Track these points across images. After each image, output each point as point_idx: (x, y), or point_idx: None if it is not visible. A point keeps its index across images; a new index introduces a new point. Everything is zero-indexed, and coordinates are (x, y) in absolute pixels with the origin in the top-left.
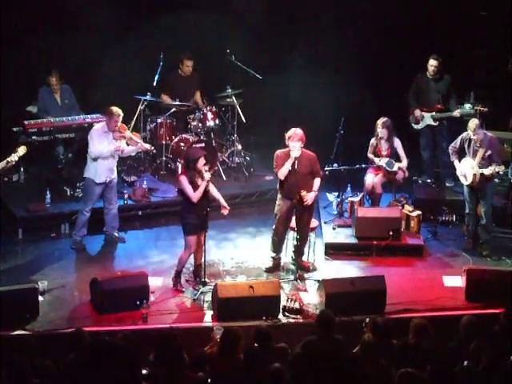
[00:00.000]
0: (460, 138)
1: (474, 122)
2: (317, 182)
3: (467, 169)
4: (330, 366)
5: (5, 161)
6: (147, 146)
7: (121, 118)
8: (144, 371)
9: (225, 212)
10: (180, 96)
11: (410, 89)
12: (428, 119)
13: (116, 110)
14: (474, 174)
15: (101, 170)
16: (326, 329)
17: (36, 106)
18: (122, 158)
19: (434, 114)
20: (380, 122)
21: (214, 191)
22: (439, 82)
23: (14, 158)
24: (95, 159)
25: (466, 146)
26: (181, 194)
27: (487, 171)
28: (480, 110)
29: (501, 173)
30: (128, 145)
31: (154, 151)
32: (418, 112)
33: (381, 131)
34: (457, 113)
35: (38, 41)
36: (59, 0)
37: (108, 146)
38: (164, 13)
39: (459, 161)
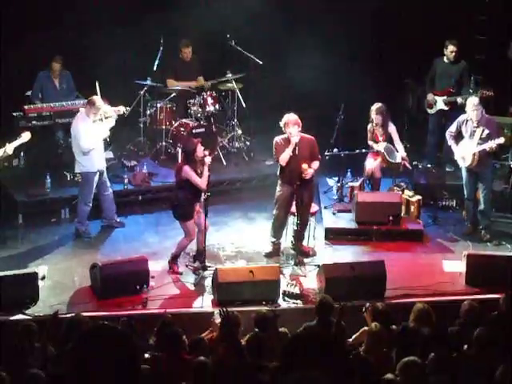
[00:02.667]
0: (456, 121)
1: (473, 99)
2: (315, 163)
3: (465, 150)
4: (328, 351)
5: (12, 145)
6: (117, 109)
7: (100, 106)
8: (146, 355)
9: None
10: (185, 79)
11: (429, 72)
12: (440, 103)
13: (95, 98)
14: (473, 154)
15: (95, 158)
16: (325, 314)
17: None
18: (121, 143)
19: (445, 97)
20: (374, 107)
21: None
22: (454, 67)
23: (15, 144)
24: (87, 151)
25: (463, 129)
26: (181, 184)
27: (488, 145)
28: (485, 94)
29: (503, 143)
30: (106, 118)
31: (126, 110)
32: (430, 96)
33: (375, 117)
34: (460, 99)
35: (39, 27)
36: None
37: (97, 131)
38: None
39: (457, 145)
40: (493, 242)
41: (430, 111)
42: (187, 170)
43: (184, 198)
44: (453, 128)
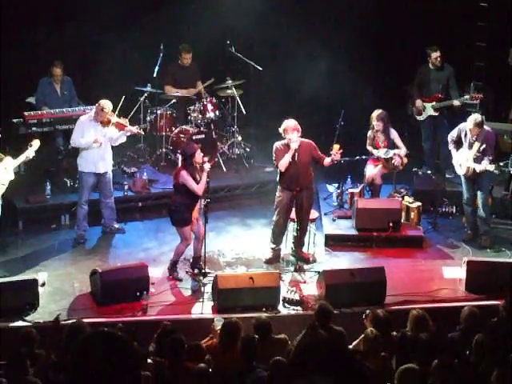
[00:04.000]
0: (458, 128)
1: (476, 116)
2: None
3: (462, 159)
4: (328, 357)
5: (23, 155)
6: (134, 129)
7: (106, 111)
8: (149, 360)
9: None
10: (183, 86)
11: (414, 80)
12: (429, 110)
13: (104, 102)
14: (468, 167)
15: (88, 159)
16: (324, 321)
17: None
18: (121, 150)
19: (434, 103)
20: (375, 114)
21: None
22: (440, 72)
23: (31, 153)
24: (82, 150)
25: (462, 137)
26: (178, 188)
27: (478, 167)
28: (475, 97)
29: (493, 170)
30: (119, 130)
31: (142, 133)
32: (419, 103)
33: (376, 124)
34: (457, 101)
35: (39, 32)
36: None
37: (94, 134)
38: (164, 4)
39: (457, 150)
40: (492, 248)
41: (419, 118)
42: (184, 175)
43: (181, 203)
44: (454, 133)
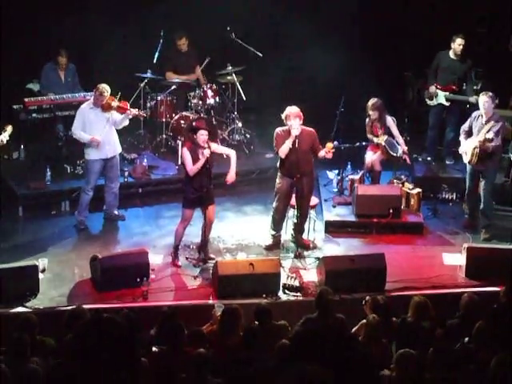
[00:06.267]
0: (469, 119)
1: (486, 96)
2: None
3: (469, 146)
4: (329, 343)
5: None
6: (136, 112)
7: (105, 95)
8: (154, 348)
9: (227, 181)
10: (183, 71)
11: (431, 64)
12: (441, 98)
13: (102, 87)
14: (474, 148)
15: (93, 147)
16: (324, 307)
17: (36, 83)
18: (122, 136)
19: (447, 94)
20: (370, 103)
21: (232, 161)
22: (459, 63)
23: (4, 138)
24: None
25: (473, 124)
26: (184, 166)
27: (479, 138)
28: None
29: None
30: (121, 114)
31: (144, 115)
32: (432, 88)
33: (372, 113)
34: (473, 99)
35: (39, 19)
36: None
37: (96, 120)
38: None
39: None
40: (493, 241)
41: (429, 102)
42: (183, 151)
43: (185, 181)
44: (466, 124)
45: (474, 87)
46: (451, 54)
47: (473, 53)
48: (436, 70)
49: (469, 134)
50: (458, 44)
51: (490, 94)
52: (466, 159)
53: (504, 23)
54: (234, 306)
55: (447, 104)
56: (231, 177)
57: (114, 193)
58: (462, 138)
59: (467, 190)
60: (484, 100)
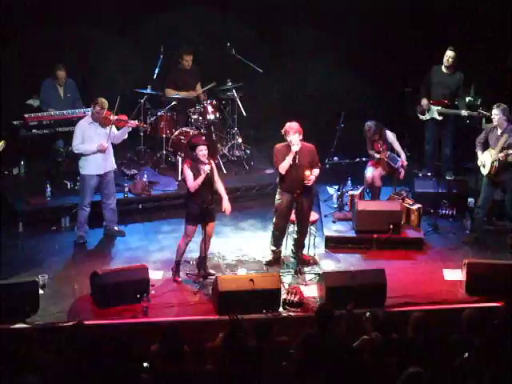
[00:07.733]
0: (484, 130)
1: (498, 108)
2: (316, 170)
3: (487, 158)
4: (330, 359)
5: None
6: (135, 122)
7: (105, 107)
8: (145, 364)
9: (226, 211)
10: (184, 88)
11: (423, 79)
12: (434, 112)
13: (101, 100)
14: (493, 161)
15: (91, 161)
16: (324, 323)
17: (37, 99)
18: (121, 152)
19: (440, 108)
20: (366, 129)
21: (220, 188)
22: (450, 78)
23: None
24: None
25: (489, 136)
26: (185, 182)
27: (500, 154)
28: (482, 114)
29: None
30: (118, 129)
31: (145, 125)
32: (424, 101)
33: (371, 136)
34: (465, 112)
35: (39, 34)
36: None
37: (95, 136)
38: (164, 6)
39: (482, 152)
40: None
41: (422, 117)
42: (184, 167)
43: (186, 197)
44: (481, 135)
45: (474, 101)
46: (443, 68)
47: (472, 68)
48: (427, 84)
49: (484, 145)
50: (447, 56)
51: (503, 106)
52: (484, 171)
53: (503, 39)
54: (240, 319)
55: (439, 118)
56: (227, 207)
57: (112, 209)
58: (478, 150)
59: (482, 201)
60: (494, 113)
